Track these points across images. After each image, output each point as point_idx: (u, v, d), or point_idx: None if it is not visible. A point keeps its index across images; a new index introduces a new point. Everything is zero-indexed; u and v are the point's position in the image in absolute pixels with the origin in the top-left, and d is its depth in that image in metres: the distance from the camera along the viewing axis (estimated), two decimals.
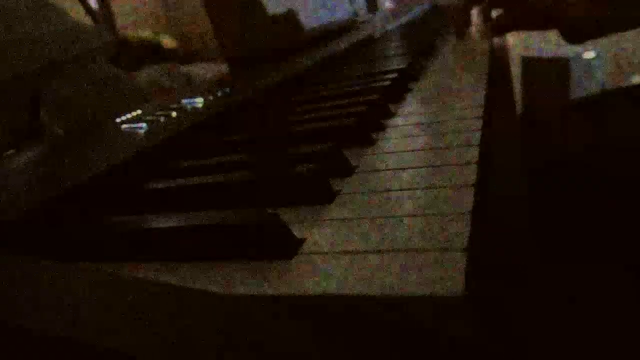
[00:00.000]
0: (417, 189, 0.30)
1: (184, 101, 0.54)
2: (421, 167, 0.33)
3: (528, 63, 2.45)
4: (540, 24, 0.73)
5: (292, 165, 0.32)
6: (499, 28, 0.78)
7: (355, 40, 1.00)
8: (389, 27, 1.32)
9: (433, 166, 0.33)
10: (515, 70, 2.34)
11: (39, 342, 0.18)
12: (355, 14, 1.40)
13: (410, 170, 0.33)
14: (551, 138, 0.73)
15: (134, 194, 0.35)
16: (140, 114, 0.51)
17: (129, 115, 0.52)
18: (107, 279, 0.22)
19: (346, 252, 0.23)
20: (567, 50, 2.28)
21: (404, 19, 1.50)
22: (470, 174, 0.30)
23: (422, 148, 0.37)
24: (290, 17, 0.90)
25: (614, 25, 0.66)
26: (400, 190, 0.30)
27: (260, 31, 0.82)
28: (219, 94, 0.57)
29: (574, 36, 0.68)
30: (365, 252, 0.23)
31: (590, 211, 0.55)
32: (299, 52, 0.85)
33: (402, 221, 0.26)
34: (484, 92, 0.49)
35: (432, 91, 0.58)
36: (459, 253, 0.21)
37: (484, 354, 0.19)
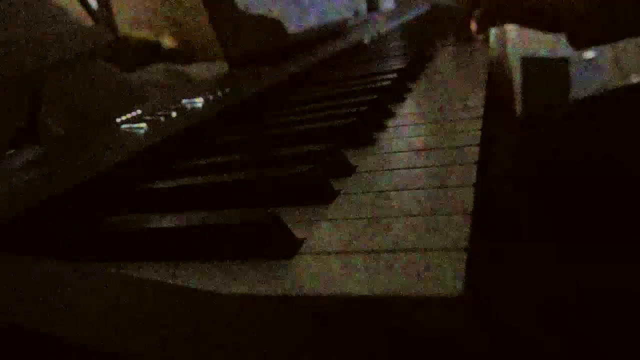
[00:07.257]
0: (416, 189, 0.30)
1: (184, 101, 0.54)
2: (421, 167, 0.33)
3: (528, 63, 2.45)
4: (541, 24, 0.72)
5: (292, 165, 0.32)
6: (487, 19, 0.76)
7: (355, 40, 1.00)
8: (389, 27, 1.32)
9: (433, 166, 0.33)
10: (515, 70, 2.33)
11: (39, 343, 0.18)
12: (356, 13, 1.40)
13: (410, 171, 0.33)
14: (551, 138, 0.73)
15: (133, 194, 0.35)
16: (140, 114, 0.51)
17: (128, 115, 0.52)
18: (105, 279, 0.22)
19: (346, 252, 0.23)
20: (567, 50, 2.28)
21: (404, 19, 1.50)
22: (470, 174, 0.30)
23: (422, 148, 0.37)
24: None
25: (620, 32, 0.66)
26: (400, 190, 0.30)
27: (260, 31, 0.82)
28: (219, 94, 0.57)
29: (581, 42, 0.68)
30: (365, 252, 0.23)
31: (590, 211, 0.55)
32: (299, 52, 0.85)
33: (402, 221, 0.25)
34: (484, 93, 0.49)
35: (432, 91, 0.58)
36: (459, 253, 0.21)
37: (483, 355, 0.19)
